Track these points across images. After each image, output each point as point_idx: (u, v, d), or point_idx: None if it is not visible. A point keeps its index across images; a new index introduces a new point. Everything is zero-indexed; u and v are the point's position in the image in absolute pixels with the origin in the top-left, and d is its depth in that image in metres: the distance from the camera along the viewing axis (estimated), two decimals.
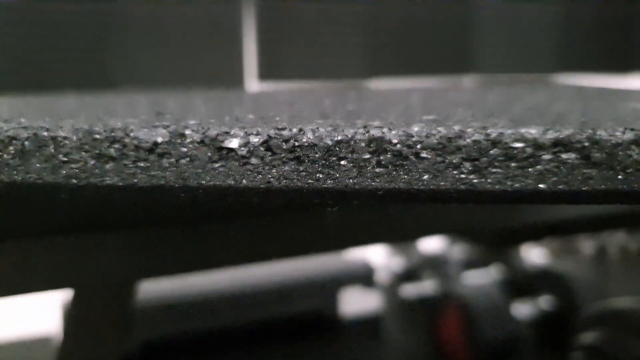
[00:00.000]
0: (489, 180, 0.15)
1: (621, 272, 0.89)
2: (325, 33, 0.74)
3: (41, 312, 0.68)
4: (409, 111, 0.20)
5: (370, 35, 0.76)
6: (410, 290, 0.81)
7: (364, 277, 0.77)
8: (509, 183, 0.15)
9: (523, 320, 0.70)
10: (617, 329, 0.50)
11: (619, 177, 0.15)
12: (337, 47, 0.75)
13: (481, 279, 0.76)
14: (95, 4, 0.65)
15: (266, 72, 0.71)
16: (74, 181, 0.17)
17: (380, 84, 0.77)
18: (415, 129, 0.16)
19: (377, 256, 0.85)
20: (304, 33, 0.73)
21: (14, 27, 0.63)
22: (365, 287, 0.77)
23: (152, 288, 0.66)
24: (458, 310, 0.67)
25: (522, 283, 0.76)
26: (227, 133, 0.16)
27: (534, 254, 0.82)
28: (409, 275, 0.85)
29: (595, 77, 0.89)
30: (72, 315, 0.38)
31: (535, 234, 0.55)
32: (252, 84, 0.72)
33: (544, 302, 0.72)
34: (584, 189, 0.15)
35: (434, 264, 0.83)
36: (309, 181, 0.16)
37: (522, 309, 0.71)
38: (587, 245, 0.93)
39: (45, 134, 0.17)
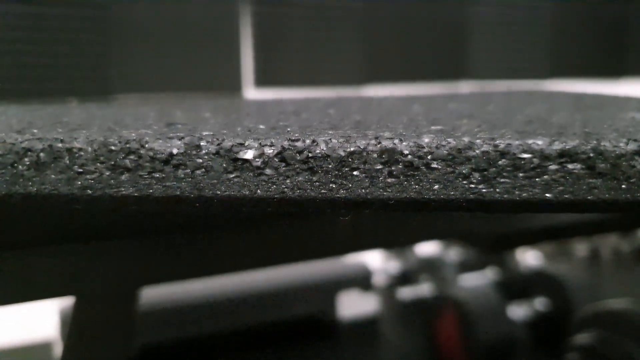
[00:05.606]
0: (497, 190, 0.16)
1: (614, 274, 0.90)
2: (322, 41, 0.75)
3: (40, 318, 0.68)
4: (415, 122, 0.20)
5: (367, 42, 0.76)
6: (407, 293, 0.82)
7: (361, 280, 0.77)
8: (516, 193, 0.16)
9: (519, 321, 0.71)
10: (611, 330, 0.51)
11: (623, 186, 0.16)
12: (333, 54, 0.75)
13: (477, 281, 0.77)
14: (93, 12, 0.65)
15: (263, 79, 0.72)
16: (89, 192, 0.17)
17: (376, 91, 0.77)
18: (426, 140, 0.16)
19: (374, 259, 0.86)
20: (300, 41, 0.74)
21: (12, 33, 0.63)
22: (363, 290, 0.77)
23: (152, 292, 0.66)
24: (454, 312, 0.68)
25: (518, 285, 0.76)
26: (241, 144, 0.17)
27: (528, 257, 0.83)
28: (406, 278, 0.85)
29: (588, 82, 0.90)
30: (74, 322, 0.38)
31: (530, 239, 0.56)
32: (249, 90, 0.72)
33: (539, 303, 0.73)
34: (589, 198, 0.16)
35: (431, 267, 0.83)
36: (322, 191, 0.16)
37: (518, 311, 0.71)
38: (580, 247, 0.94)
39: (60, 145, 0.18)
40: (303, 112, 0.26)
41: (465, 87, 0.83)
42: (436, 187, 0.16)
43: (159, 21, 0.68)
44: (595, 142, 0.16)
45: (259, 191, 0.17)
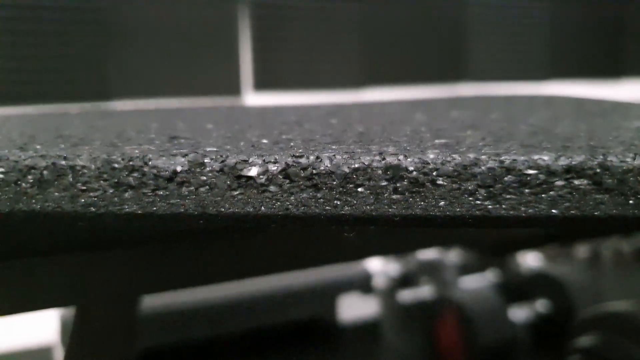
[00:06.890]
0: (503, 206, 0.16)
1: (615, 276, 0.90)
2: (321, 44, 0.75)
3: (40, 322, 0.68)
4: (419, 134, 0.20)
5: (366, 45, 0.76)
6: (407, 295, 0.81)
7: (361, 283, 0.77)
8: (522, 209, 0.16)
9: (520, 324, 0.70)
10: (613, 332, 0.51)
11: (630, 202, 0.16)
12: (332, 57, 0.75)
13: (478, 283, 0.76)
14: (92, 16, 0.65)
15: (262, 82, 0.72)
16: (93, 209, 0.17)
17: (376, 94, 0.77)
18: (431, 156, 0.16)
19: (375, 262, 0.86)
20: (299, 44, 0.74)
21: (10, 36, 0.62)
22: (363, 293, 0.77)
23: (153, 296, 0.66)
24: (455, 314, 0.68)
25: (519, 287, 0.76)
26: (245, 161, 0.17)
27: (529, 258, 0.83)
28: (406, 280, 0.85)
29: (587, 84, 0.90)
30: (75, 328, 0.38)
31: (531, 242, 0.56)
32: (248, 94, 0.72)
33: (540, 305, 0.72)
34: (595, 214, 0.16)
35: (431, 269, 0.83)
36: (327, 208, 0.16)
37: (519, 313, 0.71)
38: (581, 249, 0.94)
39: (64, 162, 0.17)
40: (305, 122, 0.26)
41: (464, 89, 0.83)
42: (442, 203, 0.16)
43: (157, 25, 0.68)
44: (601, 157, 0.16)
45: (262, 208, 0.16)
